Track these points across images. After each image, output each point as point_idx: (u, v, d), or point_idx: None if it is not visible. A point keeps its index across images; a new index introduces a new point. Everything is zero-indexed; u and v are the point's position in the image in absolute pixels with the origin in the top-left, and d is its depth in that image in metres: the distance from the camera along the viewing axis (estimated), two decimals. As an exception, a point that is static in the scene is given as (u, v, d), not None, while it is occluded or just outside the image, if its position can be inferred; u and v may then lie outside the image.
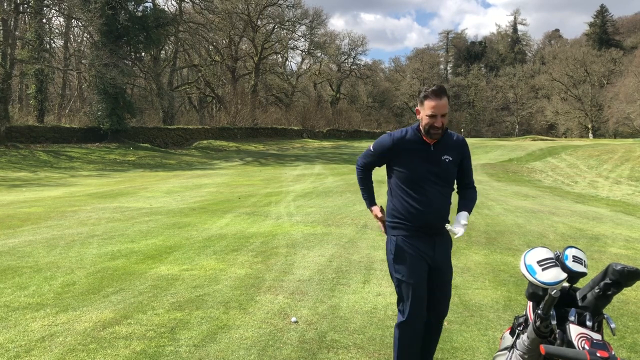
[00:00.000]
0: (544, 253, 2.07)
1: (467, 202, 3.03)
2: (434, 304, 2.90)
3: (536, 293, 2.04)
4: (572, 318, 1.96)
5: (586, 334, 1.88)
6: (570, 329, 1.92)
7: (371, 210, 3.13)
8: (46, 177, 22.21)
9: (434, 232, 2.88)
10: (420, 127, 2.87)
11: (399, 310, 2.89)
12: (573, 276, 2.08)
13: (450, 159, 2.90)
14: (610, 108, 59.05)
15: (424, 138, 2.86)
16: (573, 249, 2.14)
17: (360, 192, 3.22)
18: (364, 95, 75.76)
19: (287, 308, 4.35)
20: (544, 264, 2.02)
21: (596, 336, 1.87)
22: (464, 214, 2.90)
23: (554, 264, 2.03)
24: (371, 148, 3.05)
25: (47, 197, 13.84)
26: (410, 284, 2.80)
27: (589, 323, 1.94)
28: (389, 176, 3.01)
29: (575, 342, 1.86)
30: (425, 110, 2.80)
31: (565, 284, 2.09)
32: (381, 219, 3.01)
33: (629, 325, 4.11)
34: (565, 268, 2.07)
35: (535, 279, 1.98)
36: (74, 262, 5.94)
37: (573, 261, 2.08)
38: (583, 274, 2.07)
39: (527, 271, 2.02)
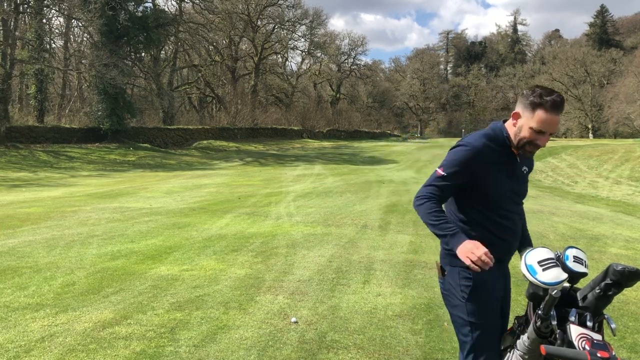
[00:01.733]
0: (545, 253, 2.07)
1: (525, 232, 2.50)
2: None
3: (537, 293, 2.04)
4: (572, 318, 1.96)
5: (587, 334, 1.87)
6: (571, 329, 1.92)
7: (474, 248, 2.02)
8: (46, 177, 22.20)
9: (508, 259, 2.40)
10: (511, 137, 2.23)
11: None
12: (574, 276, 2.08)
13: (527, 169, 2.36)
14: (610, 108, 59.07)
15: (512, 149, 2.24)
16: (574, 249, 2.13)
17: (436, 228, 2.12)
18: (364, 96, 75.81)
19: (287, 308, 4.35)
20: (544, 264, 2.02)
21: (597, 336, 1.87)
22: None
23: (554, 264, 2.03)
24: (442, 172, 2.18)
25: (47, 197, 13.83)
26: (488, 330, 2.24)
27: (589, 323, 1.94)
28: (458, 199, 2.31)
29: (575, 343, 1.86)
30: (532, 122, 2.13)
31: (566, 284, 2.09)
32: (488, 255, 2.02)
33: (629, 326, 4.10)
34: (565, 268, 2.06)
35: (536, 279, 1.98)
36: (74, 262, 5.94)
37: (574, 261, 2.07)
38: (584, 274, 2.07)
39: (528, 271, 2.01)
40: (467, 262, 2.00)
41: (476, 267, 1.99)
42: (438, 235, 2.13)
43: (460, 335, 2.27)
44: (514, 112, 2.22)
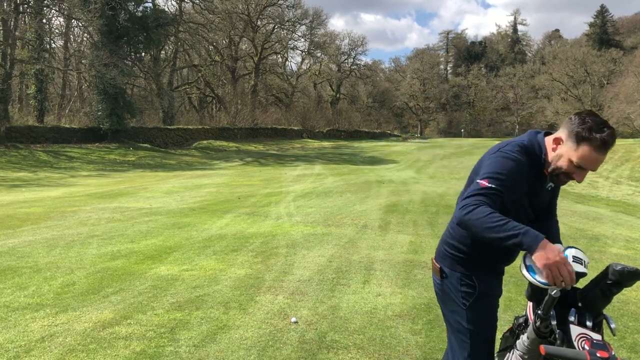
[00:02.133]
0: None
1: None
2: None
3: (536, 294, 2.04)
4: (572, 318, 1.96)
5: (586, 334, 1.87)
6: (571, 329, 1.92)
7: (560, 263, 1.80)
8: (46, 177, 22.20)
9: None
10: (548, 158, 2.05)
11: None
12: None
13: (552, 185, 2.18)
14: (610, 108, 59.06)
15: (544, 170, 2.08)
16: (573, 249, 2.13)
17: (502, 229, 1.81)
18: (364, 96, 75.82)
19: (287, 308, 4.35)
20: None
21: (596, 336, 1.87)
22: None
23: None
24: (488, 184, 1.92)
25: (46, 197, 13.83)
26: (486, 340, 2.18)
27: (589, 323, 1.94)
28: None
29: (575, 343, 1.86)
30: (573, 154, 1.94)
31: None
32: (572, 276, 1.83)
33: (629, 326, 4.11)
34: None
35: (535, 279, 1.97)
36: (74, 262, 5.94)
37: (573, 261, 2.07)
38: (583, 275, 2.06)
39: (527, 271, 2.01)
40: (546, 275, 1.79)
41: (554, 284, 1.80)
42: (503, 239, 1.80)
43: (456, 339, 2.21)
44: (556, 136, 2.02)
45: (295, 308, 4.36)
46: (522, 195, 2.06)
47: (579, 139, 1.92)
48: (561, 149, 1.99)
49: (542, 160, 2.06)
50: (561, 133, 2.01)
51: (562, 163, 1.99)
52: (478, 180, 1.95)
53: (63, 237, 7.46)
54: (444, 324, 2.37)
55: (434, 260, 2.32)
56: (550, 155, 2.04)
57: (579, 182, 2.01)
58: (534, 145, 2.07)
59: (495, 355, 2.46)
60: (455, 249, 2.20)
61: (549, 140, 2.07)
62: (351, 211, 10.25)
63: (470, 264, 2.16)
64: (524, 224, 1.90)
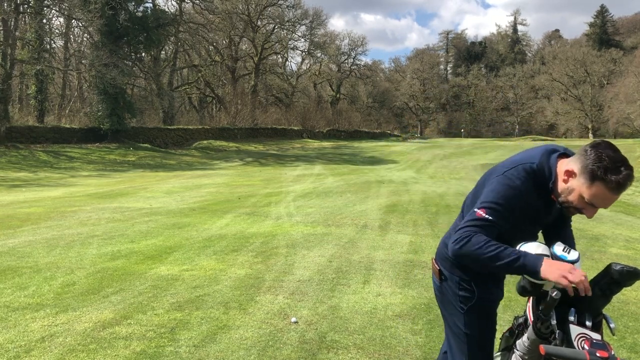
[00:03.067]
0: (540, 249, 2.05)
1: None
2: None
3: (526, 288, 2.02)
4: (572, 318, 1.95)
5: (586, 334, 1.87)
6: (570, 329, 1.92)
7: (570, 269, 1.82)
8: (46, 177, 22.21)
9: None
10: (557, 188, 1.95)
11: None
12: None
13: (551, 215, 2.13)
14: (610, 108, 59.08)
15: (553, 196, 2.00)
16: (555, 245, 2.11)
17: (500, 256, 1.82)
18: (364, 96, 75.82)
19: (287, 308, 4.35)
20: None
21: (596, 336, 1.87)
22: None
23: None
24: (485, 214, 1.89)
25: (47, 197, 13.84)
26: (485, 344, 2.17)
27: (588, 323, 1.94)
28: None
29: (575, 342, 1.86)
30: (585, 191, 1.86)
31: None
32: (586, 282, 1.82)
33: (629, 326, 4.11)
34: (559, 259, 2.05)
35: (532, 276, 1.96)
36: (74, 262, 5.94)
37: (563, 251, 2.05)
38: (576, 261, 2.04)
39: None
40: (564, 283, 1.78)
41: (572, 290, 1.78)
42: (504, 266, 1.80)
43: (454, 342, 2.20)
44: (568, 168, 1.90)
45: (295, 308, 4.36)
46: (524, 219, 2.00)
47: (593, 177, 1.82)
48: (573, 183, 1.89)
49: (549, 186, 1.96)
50: (574, 165, 1.89)
51: (573, 198, 1.90)
52: (475, 209, 1.91)
53: (63, 237, 7.46)
54: (443, 321, 2.36)
55: (434, 261, 2.30)
56: (561, 186, 1.94)
57: (589, 217, 1.94)
58: (543, 169, 1.96)
59: (495, 355, 2.46)
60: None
61: (561, 167, 1.95)
62: (351, 211, 10.25)
63: (469, 269, 2.11)
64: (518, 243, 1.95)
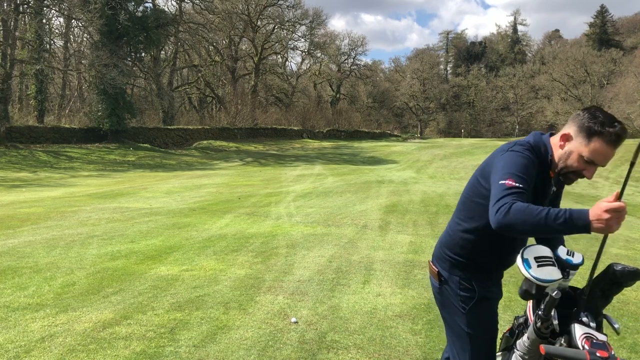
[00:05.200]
0: (544, 251, 2.06)
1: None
2: None
3: (529, 291, 2.01)
4: (585, 319, 1.95)
5: (591, 334, 1.87)
6: (575, 329, 1.91)
7: (604, 210, 1.68)
8: (46, 177, 22.20)
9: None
10: (555, 159, 2.00)
11: None
12: (571, 268, 2.07)
13: (555, 190, 2.16)
14: (610, 108, 58.99)
15: (551, 171, 2.04)
16: (561, 246, 2.13)
17: (548, 216, 1.68)
18: (364, 96, 75.78)
19: (287, 308, 4.35)
20: (541, 261, 2.01)
21: (601, 337, 1.86)
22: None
23: (551, 263, 2.02)
24: (513, 182, 1.82)
25: (47, 197, 13.83)
26: (487, 343, 2.16)
27: (592, 324, 1.94)
28: (473, 200, 2.09)
29: (578, 342, 1.86)
30: (584, 150, 1.90)
31: (564, 283, 2.08)
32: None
33: (629, 326, 4.11)
34: (564, 264, 2.05)
35: (529, 273, 1.95)
36: (74, 262, 5.94)
37: (567, 254, 2.07)
38: (581, 264, 2.06)
39: (523, 265, 1.98)
40: (609, 226, 1.68)
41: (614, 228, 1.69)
42: (553, 223, 1.67)
43: (457, 343, 2.18)
44: (563, 132, 1.96)
45: (295, 308, 4.36)
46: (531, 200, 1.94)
47: (590, 133, 1.88)
48: (570, 146, 1.94)
49: (548, 161, 2.00)
50: (569, 129, 1.96)
51: (572, 160, 1.94)
52: (502, 181, 1.83)
53: (63, 237, 7.46)
54: (444, 324, 2.36)
55: (431, 263, 2.28)
56: (557, 153, 1.99)
57: (589, 178, 1.95)
58: (539, 145, 2.01)
59: (495, 355, 2.46)
60: (455, 253, 2.16)
61: (554, 140, 2.02)
62: (351, 211, 10.25)
63: (469, 268, 2.12)
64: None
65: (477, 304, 2.12)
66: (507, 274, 5.22)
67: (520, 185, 1.81)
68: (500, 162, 1.94)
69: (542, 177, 2.00)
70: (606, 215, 1.67)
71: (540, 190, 2.03)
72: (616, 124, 1.87)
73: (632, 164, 1.83)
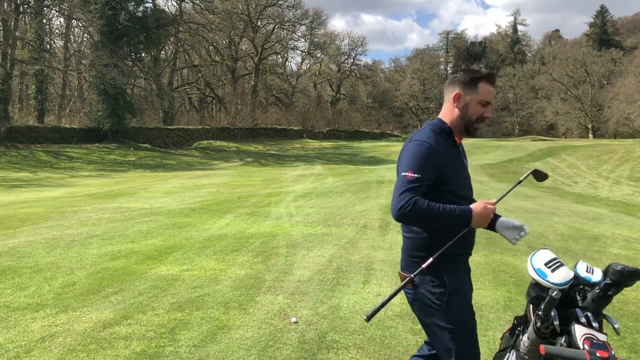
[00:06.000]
0: (548, 254, 2.08)
1: None
2: None
3: (541, 296, 2.03)
4: (583, 320, 1.96)
5: (592, 335, 1.88)
6: (575, 329, 1.92)
7: (479, 210, 2.09)
8: (46, 177, 22.20)
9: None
10: (455, 123, 2.26)
11: None
12: (589, 286, 2.08)
13: (466, 162, 2.39)
14: (610, 108, 59.04)
15: (456, 137, 2.28)
16: (581, 261, 2.16)
17: (443, 214, 2.04)
18: (364, 96, 75.73)
19: (287, 308, 4.35)
20: (551, 265, 2.03)
21: (602, 337, 1.87)
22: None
23: (560, 263, 2.04)
24: (415, 174, 2.06)
25: (47, 197, 13.83)
26: (469, 331, 2.20)
27: (595, 324, 1.94)
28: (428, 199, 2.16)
29: (579, 343, 1.86)
30: (479, 96, 2.21)
31: None
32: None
33: (629, 326, 4.11)
34: (581, 281, 2.08)
35: (548, 281, 1.98)
36: (74, 262, 5.94)
37: (586, 271, 2.09)
38: (599, 283, 2.06)
39: (538, 275, 2.02)
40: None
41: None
42: (448, 221, 2.05)
43: (440, 345, 2.21)
44: (453, 94, 2.25)
45: (295, 308, 4.36)
46: (452, 170, 2.19)
47: (474, 81, 2.22)
48: (464, 100, 2.23)
49: (450, 132, 2.26)
50: (455, 90, 2.25)
51: (472, 111, 2.22)
52: (404, 173, 2.10)
53: (63, 237, 7.46)
54: (426, 332, 2.35)
55: (402, 273, 2.31)
56: (454, 116, 2.26)
57: (489, 117, 2.25)
58: (436, 124, 2.27)
59: (495, 355, 2.47)
60: (421, 255, 2.21)
61: (447, 112, 2.29)
62: (351, 211, 10.25)
63: (437, 265, 2.16)
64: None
65: (452, 297, 2.17)
66: (507, 274, 5.25)
67: (419, 176, 2.06)
68: (407, 154, 2.17)
69: (451, 151, 2.23)
70: (486, 213, 2.08)
71: (457, 160, 2.25)
72: (482, 69, 2.31)
73: (518, 182, 2.34)
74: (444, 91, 2.34)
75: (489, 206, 2.09)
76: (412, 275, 2.15)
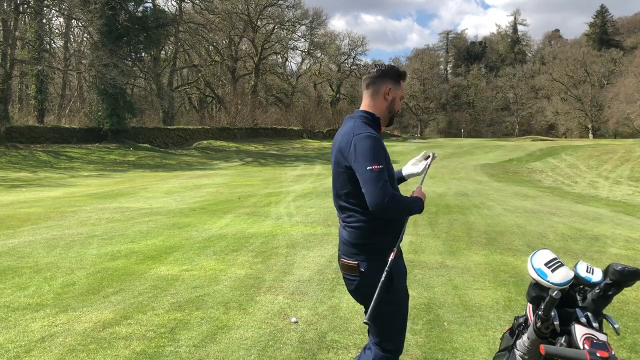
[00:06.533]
0: (547, 254, 2.07)
1: None
2: None
3: (541, 296, 2.03)
4: (583, 320, 1.96)
5: (592, 335, 1.88)
6: (576, 329, 1.92)
7: (422, 196, 2.40)
8: (46, 177, 22.21)
9: None
10: (384, 115, 2.43)
11: (387, 350, 2.34)
12: (589, 286, 2.09)
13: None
14: (610, 108, 59.07)
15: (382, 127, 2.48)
16: (581, 261, 2.16)
17: (409, 205, 2.29)
18: (364, 96, 75.70)
19: (287, 308, 4.35)
20: (551, 265, 2.03)
21: (602, 337, 1.87)
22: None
23: (560, 263, 2.04)
24: (379, 165, 2.17)
25: (47, 197, 13.84)
26: (405, 314, 2.39)
27: (595, 324, 1.94)
28: (354, 191, 2.33)
29: (580, 343, 1.86)
30: (401, 92, 2.44)
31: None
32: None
33: (629, 326, 4.11)
34: (581, 281, 2.08)
35: (548, 281, 1.99)
36: (74, 262, 5.94)
37: (587, 271, 2.09)
38: (598, 283, 2.06)
39: (539, 275, 2.02)
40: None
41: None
42: (412, 208, 2.29)
43: (379, 325, 2.30)
44: (385, 89, 2.38)
45: (295, 308, 4.36)
46: (389, 164, 2.33)
47: (398, 78, 2.42)
48: (392, 94, 2.41)
49: (379, 122, 2.41)
50: (387, 84, 2.39)
51: (397, 103, 2.44)
52: (369, 167, 2.16)
53: (63, 237, 7.46)
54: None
55: (346, 260, 2.36)
56: (383, 106, 2.41)
57: (399, 109, 2.48)
58: (369, 117, 2.37)
59: (495, 355, 2.47)
60: (365, 242, 2.31)
61: (378, 105, 2.40)
62: (351, 211, 10.24)
63: (379, 250, 2.27)
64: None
65: (396, 278, 2.28)
66: (507, 274, 5.25)
67: (382, 167, 2.18)
68: (359, 150, 2.21)
69: (381, 137, 2.36)
70: (423, 197, 2.39)
71: (386, 150, 2.35)
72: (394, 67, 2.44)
73: (428, 166, 2.67)
74: (367, 84, 2.42)
75: (422, 190, 2.44)
76: (387, 267, 2.22)
